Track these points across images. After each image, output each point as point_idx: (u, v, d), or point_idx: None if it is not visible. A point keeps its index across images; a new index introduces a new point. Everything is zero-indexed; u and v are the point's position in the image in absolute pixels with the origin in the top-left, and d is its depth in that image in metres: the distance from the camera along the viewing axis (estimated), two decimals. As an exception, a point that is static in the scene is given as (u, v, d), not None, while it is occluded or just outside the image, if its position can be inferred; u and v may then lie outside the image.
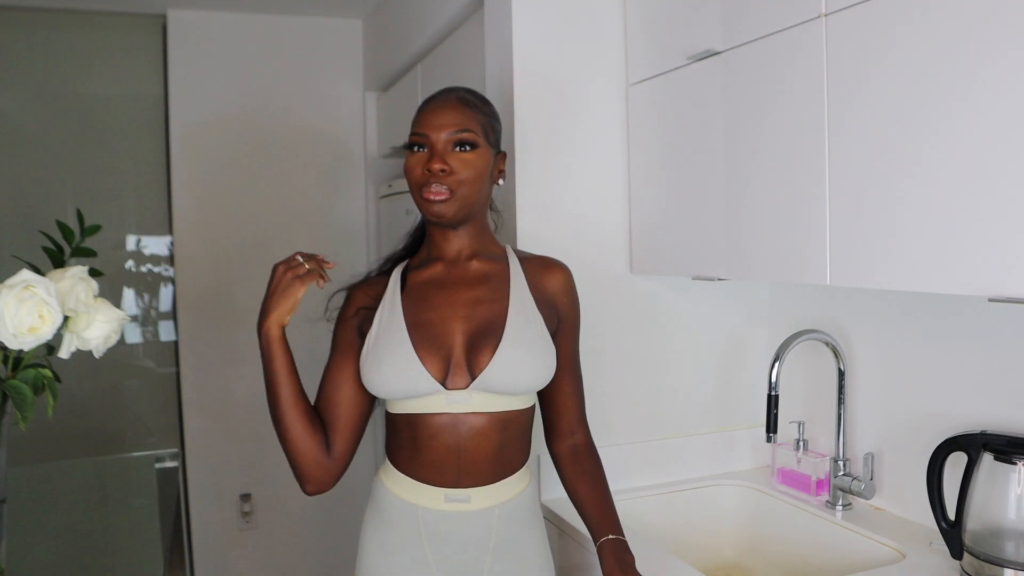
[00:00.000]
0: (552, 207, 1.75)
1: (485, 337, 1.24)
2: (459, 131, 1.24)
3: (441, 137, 1.24)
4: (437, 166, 1.22)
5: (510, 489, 1.29)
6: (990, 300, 1.03)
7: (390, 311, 1.27)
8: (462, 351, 1.24)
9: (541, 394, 1.40)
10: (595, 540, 1.31)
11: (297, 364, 1.26)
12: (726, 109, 1.48)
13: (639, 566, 1.30)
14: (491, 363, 1.22)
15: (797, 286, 1.85)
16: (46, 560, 1.50)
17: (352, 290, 1.34)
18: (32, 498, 1.86)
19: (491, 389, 1.23)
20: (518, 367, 1.23)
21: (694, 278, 1.66)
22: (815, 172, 1.28)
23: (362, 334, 1.30)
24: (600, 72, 1.79)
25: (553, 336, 1.32)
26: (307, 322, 1.44)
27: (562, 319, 1.36)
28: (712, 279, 1.59)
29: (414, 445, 1.26)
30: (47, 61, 2.79)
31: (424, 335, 1.24)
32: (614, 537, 1.30)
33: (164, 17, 2.86)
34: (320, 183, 3.07)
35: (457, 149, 1.24)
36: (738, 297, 1.93)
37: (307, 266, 1.21)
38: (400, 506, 1.28)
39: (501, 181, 1.33)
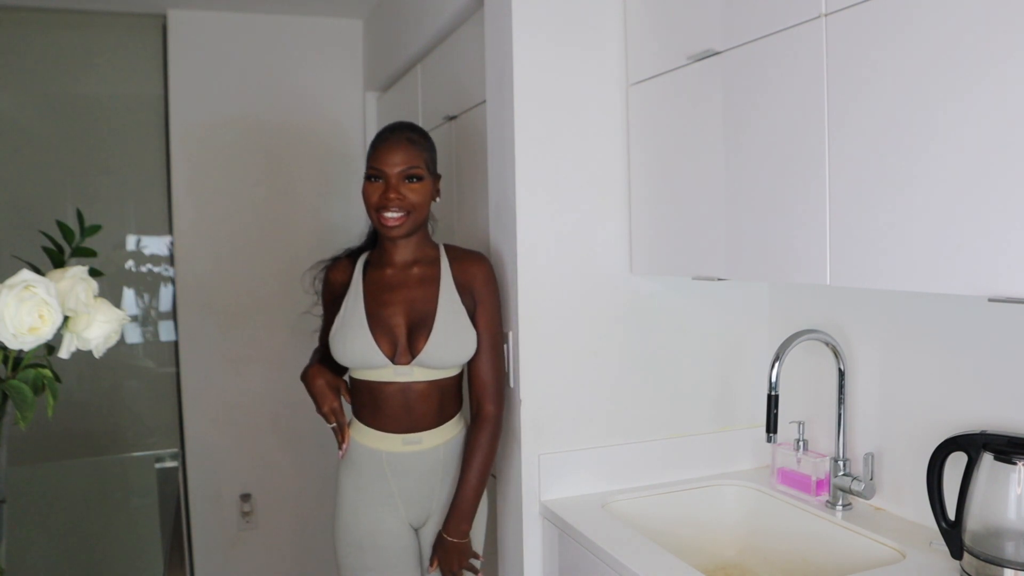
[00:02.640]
0: (552, 207, 1.75)
1: (421, 327, 1.64)
2: (409, 168, 1.61)
3: (395, 172, 1.61)
4: (393, 196, 1.60)
5: (449, 431, 1.70)
6: (990, 300, 1.03)
7: (354, 300, 1.67)
8: (405, 337, 1.64)
9: (466, 366, 1.72)
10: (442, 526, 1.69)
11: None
12: (726, 109, 1.48)
13: (639, 566, 1.34)
14: (426, 346, 1.62)
15: (797, 286, 1.85)
16: (46, 560, 1.50)
17: (330, 271, 1.77)
18: (32, 498, 1.86)
19: (427, 364, 1.63)
20: (445, 348, 1.63)
21: (694, 278, 1.66)
22: (815, 172, 1.28)
23: (335, 306, 1.71)
24: (600, 72, 1.79)
25: (472, 317, 1.68)
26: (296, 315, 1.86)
27: (477, 302, 1.69)
28: (712, 279, 1.59)
29: (375, 404, 1.66)
30: (47, 61, 2.79)
31: (378, 324, 1.64)
32: (444, 536, 1.67)
33: (164, 17, 2.86)
34: (320, 183, 3.07)
35: (407, 181, 1.61)
36: (738, 297, 1.93)
37: (330, 424, 1.68)
38: (367, 451, 1.67)
39: (438, 199, 1.70)
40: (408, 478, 1.67)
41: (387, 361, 1.62)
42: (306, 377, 1.70)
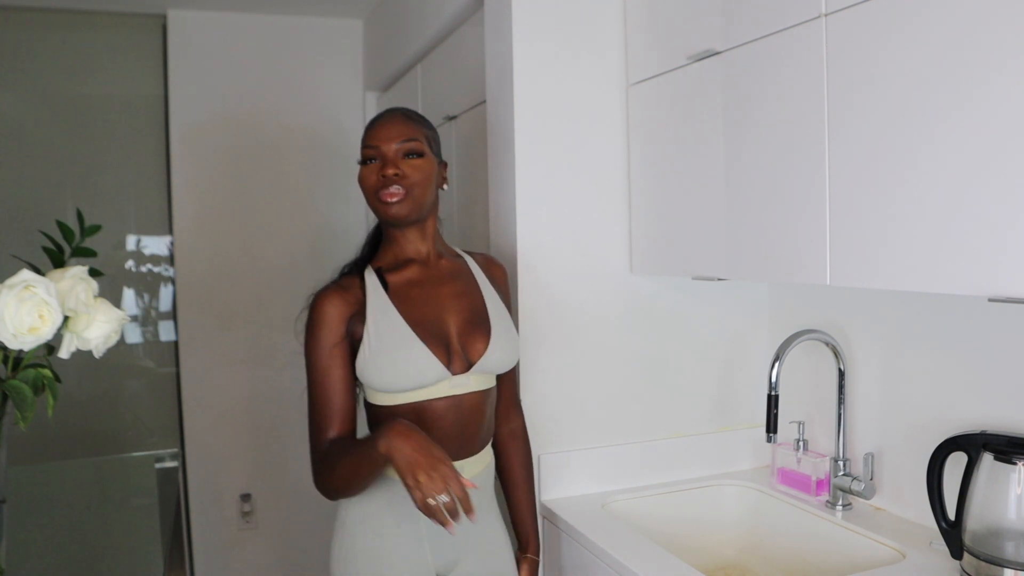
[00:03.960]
0: (552, 207, 1.75)
1: (474, 326, 1.41)
2: (407, 140, 1.39)
3: (392, 147, 1.38)
4: (391, 171, 1.37)
5: (487, 456, 1.47)
6: (990, 300, 1.03)
7: (383, 312, 1.37)
8: (456, 340, 1.39)
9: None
10: (519, 546, 1.55)
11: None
12: (726, 109, 1.48)
13: (639, 566, 1.35)
14: (489, 348, 1.40)
15: (797, 286, 1.85)
16: (46, 560, 1.50)
17: (323, 301, 1.38)
18: (32, 498, 1.86)
19: (487, 371, 1.41)
20: (507, 350, 1.43)
21: (694, 278, 1.66)
22: (815, 172, 1.28)
23: (349, 339, 1.37)
24: (600, 72, 1.79)
25: None
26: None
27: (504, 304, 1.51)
28: (712, 279, 1.59)
29: (421, 427, 1.31)
30: (47, 61, 2.79)
31: (424, 330, 1.37)
32: (534, 558, 1.54)
33: (164, 17, 2.86)
34: (320, 183, 3.07)
35: (405, 157, 1.39)
36: (738, 297, 1.93)
37: (443, 499, 1.16)
38: (401, 488, 1.29)
39: (445, 187, 1.48)
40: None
41: (446, 372, 1.36)
42: (392, 441, 1.19)
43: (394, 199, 1.37)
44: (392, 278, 1.42)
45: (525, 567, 1.53)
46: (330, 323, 1.36)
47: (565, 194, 1.76)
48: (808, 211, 1.30)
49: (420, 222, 1.44)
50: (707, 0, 1.51)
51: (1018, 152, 0.98)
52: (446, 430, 1.37)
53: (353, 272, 1.46)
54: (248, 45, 2.95)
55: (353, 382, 1.38)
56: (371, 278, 1.42)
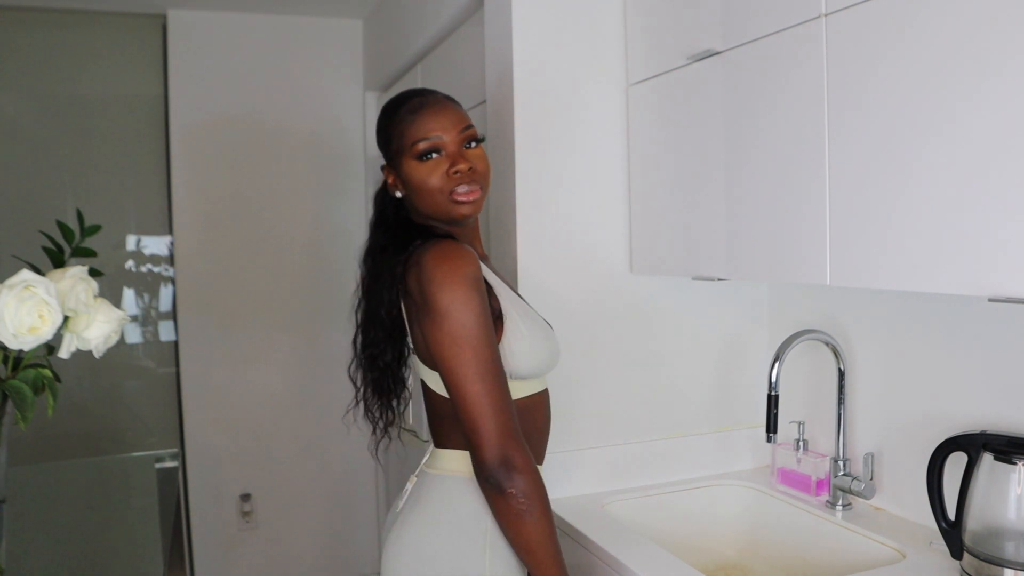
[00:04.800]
0: (552, 207, 1.75)
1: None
2: (466, 128, 1.24)
3: (453, 138, 1.22)
4: (465, 166, 1.20)
5: None
6: (990, 300, 1.03)
7: (503, 291, 1.24)
8: None
9: None
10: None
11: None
12: (726, 109, 1.48)
13: (639, 566, 1.34)
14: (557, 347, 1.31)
15: (797, 286, 1.85)
16: (46, 560, 1.50)
17: (467, 254, 1.17)
18: (32, 498, 1.86)
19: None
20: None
21: (694, 278, 1.66)
22: (815, 172, 1.28)
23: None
24: (600, 72, 1.79)
25: None
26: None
27: None
28: (712, 279, 1.59)
29: (533, 427, 1.23)
30: (47, 61, 2.79)
31: None
32: None
33: (164, 17, 2.86)
34: (320, 183, 3.07)
35: (466, 146, 1.24)
36: (738, 297, 1.93)
37: None
38: None
39: None
40: None
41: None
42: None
43: (472, 198, 1.22)
44: None
45: None
46: (480, 285, 1.14)
47: (565, 194, 1.76)
48: (808, 211, 1.30)
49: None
50: (707, 0, 1.51)
51: (1018, 152, 0.98)
52: (548, 425, 1.29)
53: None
54: (248, 45, 2.95)
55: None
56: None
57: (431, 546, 1.19)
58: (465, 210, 1.22)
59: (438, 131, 1.21)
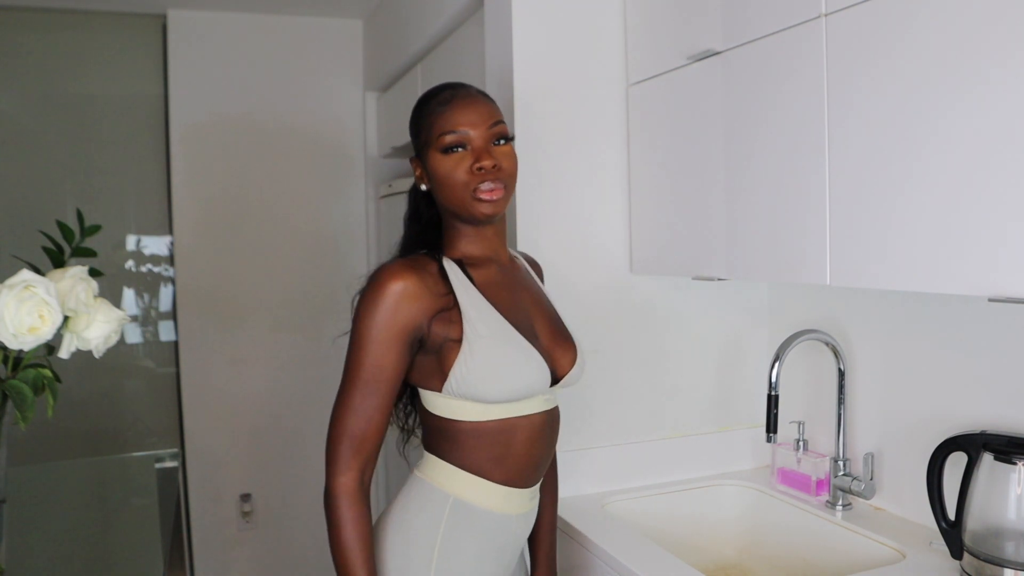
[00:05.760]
0: (552, 207, 1.75)
1: (560, 337, 1.28)
2: (496, 123, 1.21)
3: (481, 133, 1.19)
4: (489, 162, 1.17)
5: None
6: (990, 300, 1.03)
7: (479, 311, 1.18)
8: (545, 351, 1.24)
9: None
10: (533, 569, 1.40)
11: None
12: (726, 109, 1.48)
13: (639, 566, 1.34)
14: (577, 362, 1.27)
15: (797, 286, 1.85)
16: (46, 560, 1.50)
17: (393, 277, 1.14)
18: (32, 498, 1.86)
19: (570, 384, 1.28)
20: (584, 362, 1.31)
21: (694, 278, 1.66)
22: (815, 172, 1.28)
23: (421, 341, 1.17)
24: (600, 72, 1.79)
25: None
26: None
27: None
28: (712, 279, 1.59)
29: (506, 449, 1.20)
30: (47, 61, 2.79)
31: (527, 336, 1.21)
32: None
33: (164, 17, 2.86)
34: (320, 183, 3.07)
35: (494, 144, 1.21)
36: (738, 297, 1.93)
37: None
38: (501, 521, 1.22)
39: None
40: (518, 546, 1.28)
41: (547, 383, 1.22)
42: None
43: (495, 197, 1.18)
44: (476, 274, 1.23)
45: None
46: (397, 306, 1.13)
47: (565, 194, 1.76)
48: (808, 211, 1.30)
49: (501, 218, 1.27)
50: (707, 0, 1.51)
51: (1018, 152, 0.98)
52: (533, 450, 1.23)
53: (428, 255, 1.23)
54: (248, 45, 2.95)
55: (400, 389, 1.20)
56: (454, 269, 1.21)
57: (381, 548, 1.21)
58: (486, 209, 1.19)
59: (465, 125, 1.19)
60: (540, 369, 1.19)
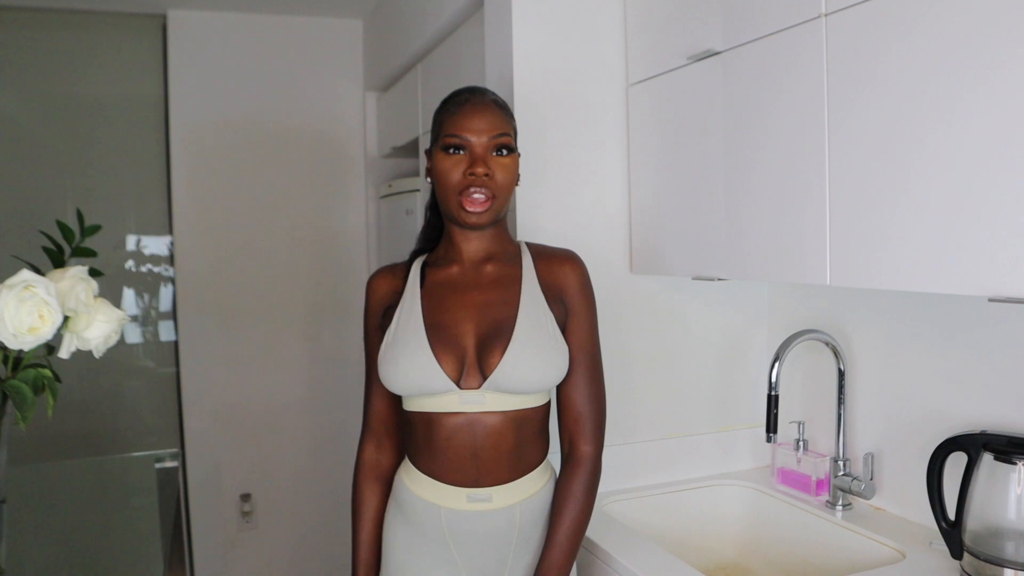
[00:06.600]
0: (552, 207, 1.75)
1: (495, 339, 1.27)
2: (500, 135, 1.27)
3: (482, 141, 1.26)
4: (481, 170, 1.24)
5: (530, 486, 1.31)
6: (990, 300, 1.03)
7: (409, 309, 1.31)
8: (474, 353, 1.27)
9: (555, 394, 1.37)
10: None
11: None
12: (726, 109, 1.48)
13: (639, 566, 1.34)
14: (501, 363, 1.24)
15: (797, 286, 1.85)
16: (46, 560, 1.50)
17: (369, 281, 1.40)
18: (32, 498, 1.86)
19: (502, 388, 1.25)
20: (527, 366, 1.25)
21: (694, 278, 1.66)
22: (815, 172, 1.28)
23: (382, 328, 1.34)
24: (600, 72, 1.79)
25: (563, 330, 1.33)
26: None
27: (570, 312, 1.34)
28: (712, 279, 1.59)
29: (432, 445, 1.28)
30: (47, 61, 2.79)
31: (439, 336, 1.27)
32: None
33: (164, 17, 2.86)
34: (320, 183, 3.07)
35: (495, 153, 1.27)
36: (738, 297, 1.93)
37: None
38: (423, 507, 1.30)
39: (518, 182, 1.34)
40: (473, 545, 1.28)
41: (451, 385, 1.24)
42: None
43: (478, 208, 1.25)
44: (432, 275, 1.35)
45: None
46: (370, 305, 1.38)
47: (565, 194, 1.76)
48: (808, 211, 1.30)
49: (492, 226, 1.32)
50: (707, 0, 1.51)
51: (1018, 152, 0.98)
52: (458, 452, 1.25)
53: (410, 259, 1.42)
54: (248, 45, 2.95)
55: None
56: (415, 270, 1.37)
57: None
58: (469, 219, 1.26)
59: (469, 131, 1.26)
60: (426, 370, 1.24)
